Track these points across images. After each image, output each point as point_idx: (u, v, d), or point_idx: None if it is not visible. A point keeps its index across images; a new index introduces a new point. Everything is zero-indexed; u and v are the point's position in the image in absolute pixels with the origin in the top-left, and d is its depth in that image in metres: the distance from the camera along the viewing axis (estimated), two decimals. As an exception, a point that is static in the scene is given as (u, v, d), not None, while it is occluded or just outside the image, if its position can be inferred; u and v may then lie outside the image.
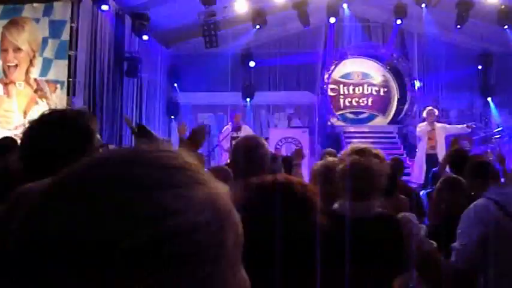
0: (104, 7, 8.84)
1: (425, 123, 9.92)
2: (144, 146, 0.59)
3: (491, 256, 2.77)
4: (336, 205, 2.22)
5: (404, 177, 10.01)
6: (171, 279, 0.49)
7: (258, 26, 10.88)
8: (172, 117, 12.61)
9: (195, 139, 2.90)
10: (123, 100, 10.14)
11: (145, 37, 10.42)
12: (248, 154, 2.65)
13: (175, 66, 12.74)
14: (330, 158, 3.57)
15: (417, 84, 13.14)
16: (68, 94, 8.24)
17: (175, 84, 12.62)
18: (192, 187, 0.54)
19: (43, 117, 1.81)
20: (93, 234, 0.47)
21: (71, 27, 8.39)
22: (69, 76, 8.31)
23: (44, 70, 8.40)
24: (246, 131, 10.06)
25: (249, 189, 1.37)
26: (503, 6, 10.29)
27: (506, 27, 10.69)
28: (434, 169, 7.66)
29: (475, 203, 2.91)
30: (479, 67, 12.99)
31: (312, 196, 1.49)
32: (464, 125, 10.04)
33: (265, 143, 2.86)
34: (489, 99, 13.01)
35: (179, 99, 12.72)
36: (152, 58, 11.57)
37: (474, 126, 10.32)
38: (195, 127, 2.93)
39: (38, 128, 1.71)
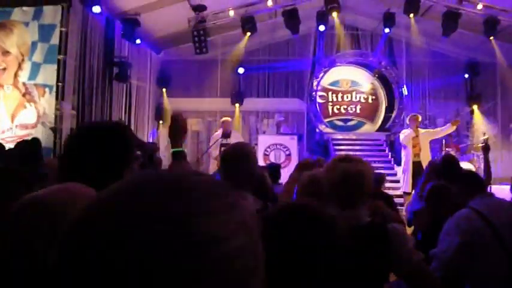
0: (95, 9, 8.81)
1: (408, 129, 9.97)
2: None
3: (472, 265, 2.82)
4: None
5: (392, 185, 10.13)
6: None
7: (248, 34, 10.92)
8: (161, 122, 12.59)
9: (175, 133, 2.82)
10: (112, 105, 10.12)
11: (138, 41, 10.43)
12: (237, 165, 2.65)
13: (165, 72, 12.74)
14: (307, 172, 3.58)
15: (405, 91, 13.26)
16: (57, 98, 8.20)
17: (164, 90, 12.61)
18: (228, 211, 0.53)
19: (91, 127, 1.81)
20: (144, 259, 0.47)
21: (61, 32, 8.36)
22: (58, 80, 8.27)
23: (33, 74, 8.36)
24: (236, 137, 10.08)
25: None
26: (488, 17, 10.44)
27: (491, 38, 10.83)
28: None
29: (457, 212, 2.96)
30: (466, 76, 13.16)
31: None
32: (449, 124, 10.02)
33: (254, 151, 2.85)
34: (475, 107, 13.17)
35: (168, 104, 12.71)
36: (142, 63, 11.58)
37: (459, 121, 10.32)
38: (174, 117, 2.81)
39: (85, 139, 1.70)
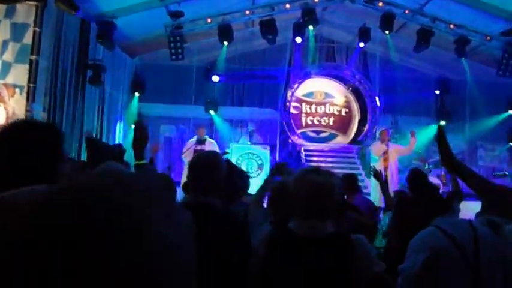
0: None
1: (379, 143, 10.12)
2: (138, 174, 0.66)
3: (437, 282, 2.90)
4: (291, 223, 2.26)
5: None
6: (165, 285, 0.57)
7: (226, 43, 10.93)
8: (133, 125, 12.44)
9: (139, 144, 2.86)
10: (85, 108, 9.96)
11: (111, 47, 10.29)
12: (206, 173, 2.64)
13: (139, 77, 12.62)
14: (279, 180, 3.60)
15: (377, 102, 13.43)
16: (28, 100, 8.04)
17: (137, 95, 12.47)
18: (170, 213, 0.62)
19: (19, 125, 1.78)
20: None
21: (34, 31, 8.21)
22: (29, 81, 8.11)
23: (3, 73, 8.16)
24: (210, 145, 10.06)
25: None
26: (460, 37, 10.69)
27: (463, 59, 11.09)
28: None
29: (422, 231, 3.04)
30: (437, 92, 13.41)
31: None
32: (411, 137, 10.22)
33: (222, 161, 2.84)
34: (443, 123, 13.42)
35: (141, 109, 12.59)
36: (116, 67, 11.44)
37: (415, 131, 10.49)
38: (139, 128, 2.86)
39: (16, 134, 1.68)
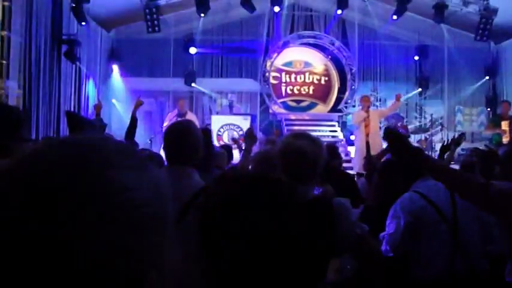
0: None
1: (359, 110, 10.16)
2: (97, 135, 0.65)
3: (419, 243, 2.98)
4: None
5: (345, 164, 10.32)
6: (124, 243, 0.56)
7: (202, 14, 10.76)
8: (114, 100, 12.29)
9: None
10: (61, 84, 9.79)
11: (83, 22, 10.05)
12: (180, 140, 2.63)
13: (116, 51, 12.41)
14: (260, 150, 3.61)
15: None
16: (1, 77, 7.87)
17: (115, 67, 12.29)
18: (142, 170, 0.62)
19: None
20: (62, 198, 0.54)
21: (4, 6, 7.98)
22: (2, 58, 7.92)
23: (-26, 51, 7.98)
24: (191, 117, 10.01)
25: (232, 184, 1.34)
26: (438, 2, 10.68)
27: (442, 25, 11.10)
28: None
29: (401, 196, 3.11)
30: (416, 58, 13.45)
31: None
32: (394, 100, 10.27)
33: (197, 128, 2.82)
34: (421, 89, 13.56)
35: (120, 84, 12.42)
36: (92, 41, 11.22)
37: (402, 95, 10.54)
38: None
39: None
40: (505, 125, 9.46)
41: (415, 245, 3.00)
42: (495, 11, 10.47)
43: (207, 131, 4.58)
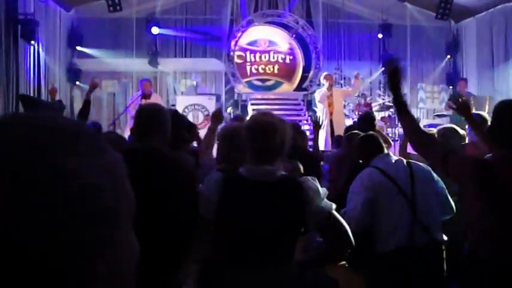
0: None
1: (323, 88, 10.23)
2: (46, 113, 0.61)
3: (379, 218, 3.07)
4: (241, 169, 2.27)
5: (309, 143, 10.41)
6: (74, 235, 0.53)
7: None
8: (78, 82, 12.03)
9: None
10: (19, 66, 9.49)
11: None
12: (150, 120, 2.65)
13: (76, 30, 12.09)
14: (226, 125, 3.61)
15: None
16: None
17: (78, 48, 12.00)
18: (93, 154, 0.58)
19: None
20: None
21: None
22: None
23: None
24: (156, 98, 9.89)
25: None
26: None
27: (404, 3, 11.20)
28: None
29: (361, 172, 3.18)
30: (380, 36, 13.58)
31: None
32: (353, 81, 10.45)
33: (166, 110, 2.87)
34: (384, 68, 13.73)
35: (81, 65, 12.14)
36: (51, 21, 10.89)
37: (359, 74, 10.69)
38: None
39: None
40: (465, 98, 9.81)
41: (376, 219, 3.09)
42: (455, -10, 10.64)
43: (176, 114, 4.60)
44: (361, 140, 3.60)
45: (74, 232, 0.54)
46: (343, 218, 3.05)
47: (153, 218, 2.07)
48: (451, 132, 4.38)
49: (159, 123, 2.63)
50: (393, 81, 2.78)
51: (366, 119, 5.79)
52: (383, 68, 13.63)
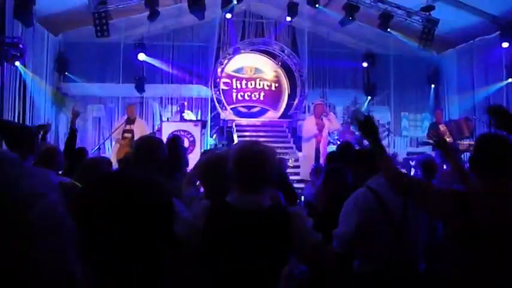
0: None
1: (312, 117, 10.29)
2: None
3: (366, 241, 3.07)
4: (228, 197, 2.29)
5: (295, 170, 10.45)
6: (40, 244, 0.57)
7: (150, 18, 10.63)
8: (62, 108, 12.00)
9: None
10: (4, 89, 9.44)
11: (29, 24, 9.68)
12: (150, 153, 2.87)
13: (63, 55, 12.11)
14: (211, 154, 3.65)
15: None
16: None
17: (66, 73, 12.00)
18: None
19: None
20: None
21: None
22: None
23: None
24: (139, 124, 9.91)
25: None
26: (384, 12, 11.02)
27: (388, 30, 11.43)
28: (313, 164, 8.08)
29: (355, 192, 3.18)
30: (365, 65, 13.82)
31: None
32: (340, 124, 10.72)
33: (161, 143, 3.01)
34: (370, 97, 13.98)
35: (67, 90, 12.12)
36: (38, 45, 10.89)
37: (348, 122, 10.90)
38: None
39: None
40: (442, 127, 10.09)
41: (363, 243, 3.09)
42: (436, 22, 10.90)
43: (174, 139, 4.71)
44: (359, 157, 3.55)
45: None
46: (335, 238, 3.08)
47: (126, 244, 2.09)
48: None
49: (156, 160, 2.89)
50: (365, 131, 2.85)
51: (345, 149, 5.75)
52: (369, 98, 13.87)
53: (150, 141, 3.15)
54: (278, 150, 10.56)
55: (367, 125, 2.85)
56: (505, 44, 10.70)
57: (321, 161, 9.54)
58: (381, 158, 2.84)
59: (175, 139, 4.86)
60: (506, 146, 2.51)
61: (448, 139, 9.76)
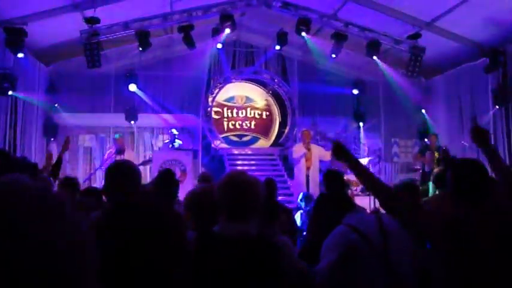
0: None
1: (300, 144, 10.36)
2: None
3: (351, 277, 3.07)
4: (216, 227, 2.30)
5: (286, 198, 10.45)
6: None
7: (141, 48, 10.74)
8: (52, 139, 11.99)
9: None
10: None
11: (20, 55, 9.73)
12: (123, 179, 2.73)
13: (55, 85, 12.14)
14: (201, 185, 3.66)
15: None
16: None
17: (56, 105, 12.03)
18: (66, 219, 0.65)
19: None
20: None
21: None
22: None
23: None
24: (129, 154, 9.91)
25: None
26: (371, 40, 11.22)
27: (375, 57, 11.62)
28: (304, 192, 8.11)
29: (334, 229, 3.20)
30: (355, 92, 13.96)
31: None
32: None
33: (138, 168, 2.94)
34: (361, 123, 14.08)
35: (59, 119, 12.12)
36: (29, 76, 10.92)
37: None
38: None
39: None
40: (431, 154, 10.16)
41: (350, 277, 3.08)
42: (423, 49, 11.10)
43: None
44: (329, 200, 3.63)
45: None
46: (317, 274, 3.08)
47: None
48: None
49: (130, 186, 2.72)
50: (339, 155, 2.93)
51: (333, 178, 5.76)
52: (361, 124, 13.97)
53: (122, 166, 3.01)
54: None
55: (340, 150, 2.95)
56: (490, 70, 10.89)
57: (311, 189, 9.60)
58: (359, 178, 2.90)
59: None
60: (478, 170, 2.62)
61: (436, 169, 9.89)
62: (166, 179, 4.46)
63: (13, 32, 9.31)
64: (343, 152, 2.91)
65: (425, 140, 11.27)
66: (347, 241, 3.06)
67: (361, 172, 2.91)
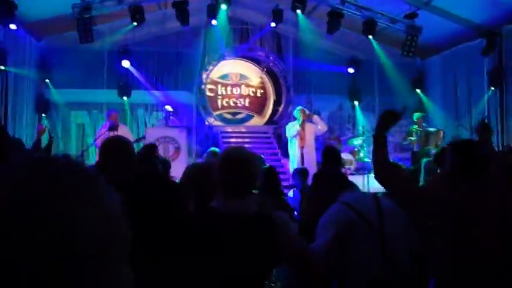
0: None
1: (295, 122, 10.33)
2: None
3: (348, 254, 3.07)
4: (213, 203, 2.28)
5: (281, 176, 10.44)
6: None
7: (135, 23, 10.58)
8: (44, 115, 11.87)
9: None
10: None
11: (12, 26, 9.54)
12: (116, 153, 2.73)
13: (46, 61, 11.96)
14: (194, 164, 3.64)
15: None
16: None
17: (47, 80, 11.89)
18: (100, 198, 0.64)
19: None
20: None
21: None
22: None
23: None
24: (123, 130, 9.82)
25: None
26: (367, 19, 11.12)
27: (370, 36, 11.52)
28: (297, 168, 8.08)
29: (330, 208, 3.19)
30: (351, 71, 13.88)
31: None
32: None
33: (132, 144, 2.93)
34: (356, 102, 14.03)
35: (51, 95, 12.00)
36: (20, 50, 10.76)
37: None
38: None
39: None
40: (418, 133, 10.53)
41: (346, 255, 3.08)
42: (419, 29, 11.01)
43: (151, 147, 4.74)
44: (328, 177, 3.60)
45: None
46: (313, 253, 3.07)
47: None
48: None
49: (123, 161, 2.72)
50: (387, 125, 3.11)
51: (330, 155, 5.75)
52: (356, 103, 13.91)
53: (117, 141, 3.06)
54: (263, 157, 10.58)
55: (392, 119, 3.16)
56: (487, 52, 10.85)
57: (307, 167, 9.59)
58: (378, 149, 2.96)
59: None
60: (480, 150, 2.62)
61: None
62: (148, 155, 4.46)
63: (2, 4, 9.10)
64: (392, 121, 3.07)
65: (414, 120, 11.25)
66: (344, 219, 3.05)
67: (383, 141, 3.05)
